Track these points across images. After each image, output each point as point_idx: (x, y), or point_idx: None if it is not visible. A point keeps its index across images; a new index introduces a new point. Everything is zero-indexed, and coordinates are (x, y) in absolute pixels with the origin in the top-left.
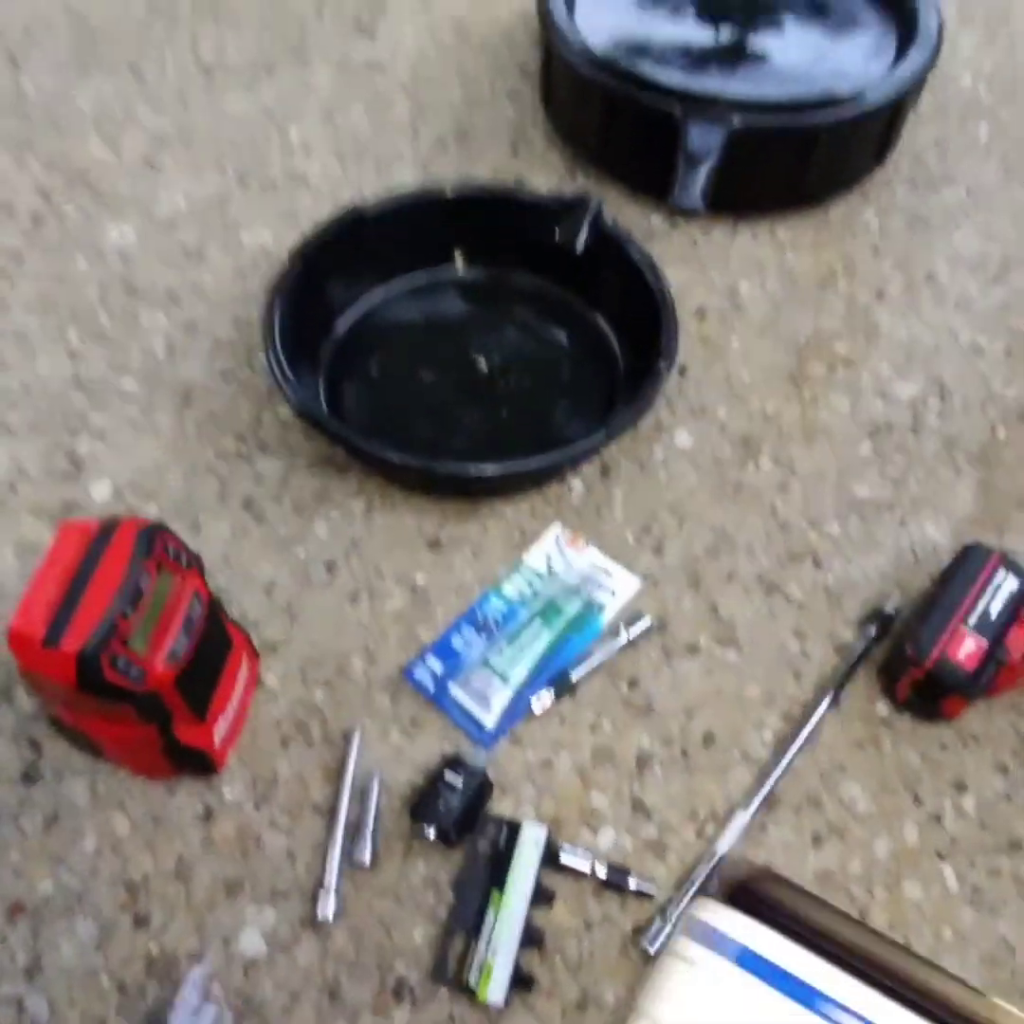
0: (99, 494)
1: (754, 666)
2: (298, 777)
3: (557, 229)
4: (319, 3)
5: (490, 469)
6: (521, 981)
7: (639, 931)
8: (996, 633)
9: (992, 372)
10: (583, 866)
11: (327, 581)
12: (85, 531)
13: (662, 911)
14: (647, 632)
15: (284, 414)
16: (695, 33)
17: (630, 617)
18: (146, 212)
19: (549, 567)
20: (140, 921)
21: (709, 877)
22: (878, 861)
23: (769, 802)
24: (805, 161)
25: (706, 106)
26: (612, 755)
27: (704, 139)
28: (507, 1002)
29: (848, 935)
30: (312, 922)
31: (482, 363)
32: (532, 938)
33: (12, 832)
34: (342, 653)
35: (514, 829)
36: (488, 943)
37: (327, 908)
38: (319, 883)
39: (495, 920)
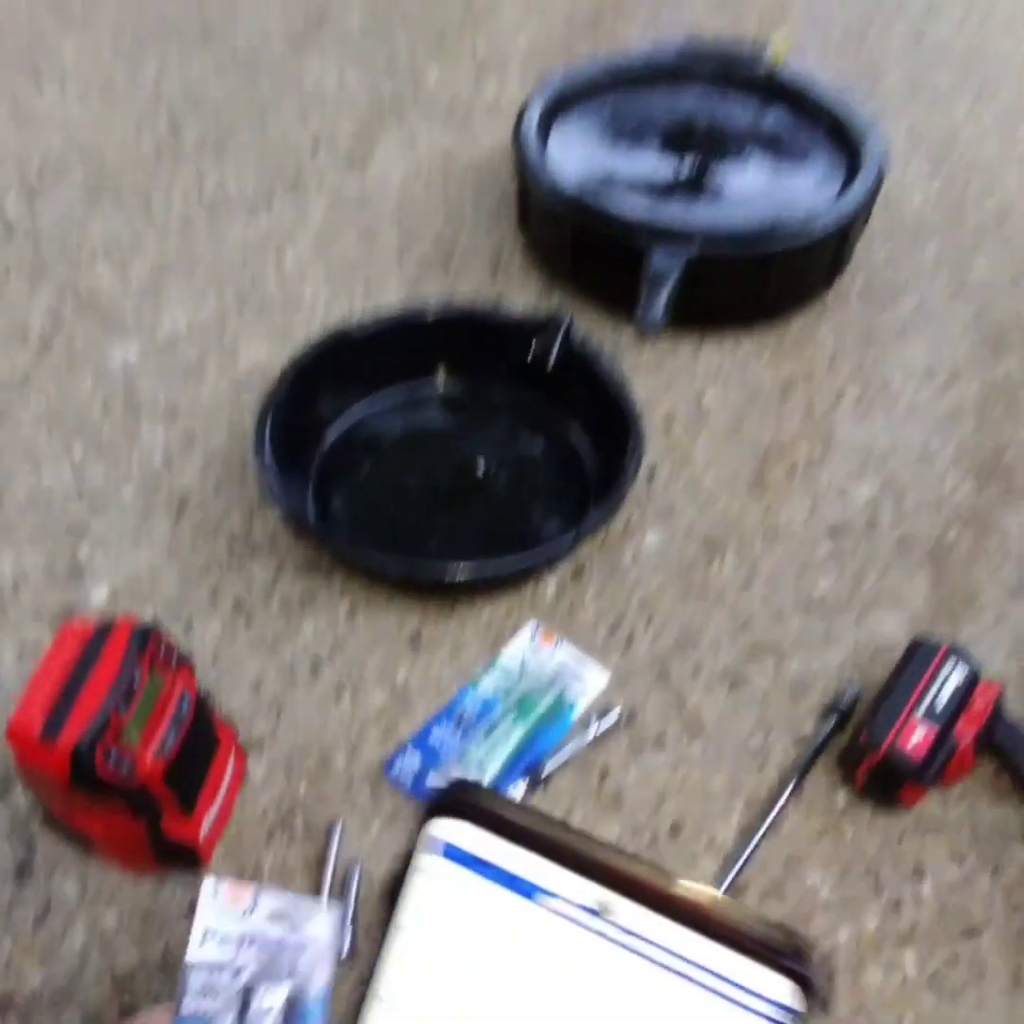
0: (98, 597)
1: (720, 757)
2: (282, 869)
3: (532, 346)
4: (315, 141)
5: (464, 570)
6: None
7: None
8: (945, 722)
9: (943, 475)
10: None
11: (312, 679)
12: (83, 632)
13: None
14: (616, 725)
15: (274, 520)
16: (658, 167)
17: (601, 710)
18: (149, 333)
19: (523, 664)
20: (126, 1012)
21: None
22: (841, 946)
23: (735, 889)
24: (762, 281)
25: (668, 235)
26: None
27: (665, 264)
28: None
29: (549, 831)
30: None
31: (463, 470)
32: None
33: (3, 927)
34: (325, 748)
35: None
36: None
37: None
38: None
39: None
